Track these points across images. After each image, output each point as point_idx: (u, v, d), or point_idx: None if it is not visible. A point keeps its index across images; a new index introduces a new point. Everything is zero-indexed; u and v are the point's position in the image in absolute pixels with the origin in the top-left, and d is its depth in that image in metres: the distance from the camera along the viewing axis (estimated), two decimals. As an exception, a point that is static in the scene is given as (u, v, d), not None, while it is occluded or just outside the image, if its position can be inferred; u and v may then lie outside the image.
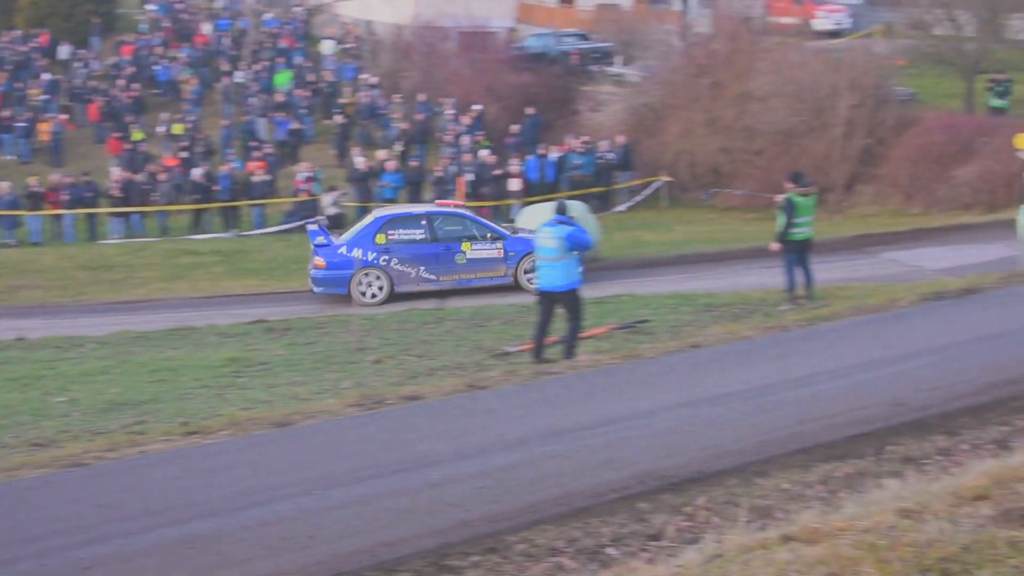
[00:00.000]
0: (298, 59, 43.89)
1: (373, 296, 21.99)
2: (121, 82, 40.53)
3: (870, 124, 31.24)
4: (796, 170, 20.60)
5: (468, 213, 23.35)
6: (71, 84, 41.51)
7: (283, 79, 41.29)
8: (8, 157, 37.46)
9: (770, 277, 19.56)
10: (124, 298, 24.24)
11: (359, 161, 32.48)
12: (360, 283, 22.02)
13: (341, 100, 39.37)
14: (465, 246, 22.30)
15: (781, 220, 18.17)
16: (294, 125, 37.75)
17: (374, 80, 40.94)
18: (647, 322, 17.18)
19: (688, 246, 26.77)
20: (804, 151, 31.14)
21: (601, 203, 32.21)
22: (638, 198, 33.44)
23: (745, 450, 9.65)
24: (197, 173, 32.06)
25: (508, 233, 22.59)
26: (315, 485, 9.10)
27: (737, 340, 13.95)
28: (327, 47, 45.95)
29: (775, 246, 18.37)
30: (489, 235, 22.35)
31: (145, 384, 15.45)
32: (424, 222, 22.55)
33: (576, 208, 21.03)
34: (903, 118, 31.58)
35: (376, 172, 32.42)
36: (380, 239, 22.25)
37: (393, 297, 22.04)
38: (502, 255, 22.16)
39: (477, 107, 36.75)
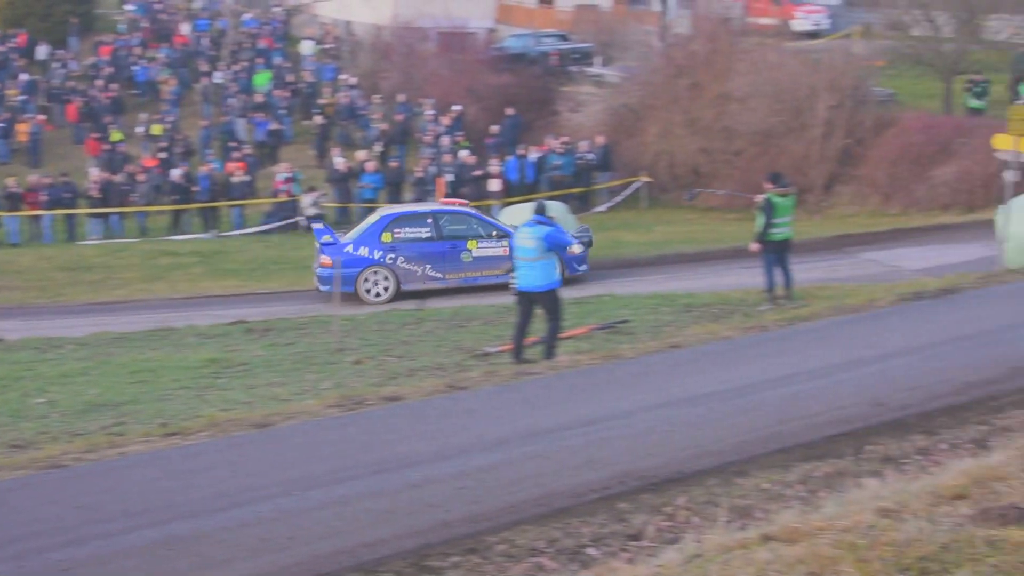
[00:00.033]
0: (277, 59, 43.77)
1: (379, 295, 22.06)
2: (100, 82, 40.34)
3: (849, 125, 31.34)
4: (775, 171, 20.67)
5: (474, 211, 23.47)
6: (49, 84, 41.30)
7: (262, 80, 41.18)
8: (-14, 158, 37.29)
9: (750, 277, 19.60)
10: (103, 299, 24.15)
11: (339, 162, 32.45)
12: (366, 281, 22.08)
13: (320, 101, 39.27)
14: (471, 244, 22.43)
15: (760, 220, 18.21)
16: (273, 126, 37.63)
17: (354, 81, 40.87)
18: (627, 322, 17.20)
19: (668, 246, 26.82)
20: (783, 152, 31.22)
21: (581, 204, 32.26)
22: (618, 199, 33.46)
23: (725, 450, 9.67)
24: (176, 174, 31.95)
25: (513, 231, 22.67)
26: (295, 486, 9.08)
27: (717, 340, 13.98)
28: (306, 47, 45.88)
29: (754, 246, 18.41)
30: (495, 233, 22.46)
31: (124, 385, 15.39)
32: (430, 220, 22.68)
33: (556, 209, 21.05)
34: (882, 119, 31.69)
35: (356, 173, 32.38)
36: (386, 237, 22.35)
37: (400, 295, 22.11)
38: (508, 253, 22.19)
39: (457, 108, 36.72)
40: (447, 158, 33.03)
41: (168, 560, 7.88)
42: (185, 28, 47.62)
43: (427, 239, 22.47)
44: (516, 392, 12.02)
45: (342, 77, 41.72)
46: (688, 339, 14.26)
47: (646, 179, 33.28)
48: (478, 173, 31.97)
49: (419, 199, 30.41)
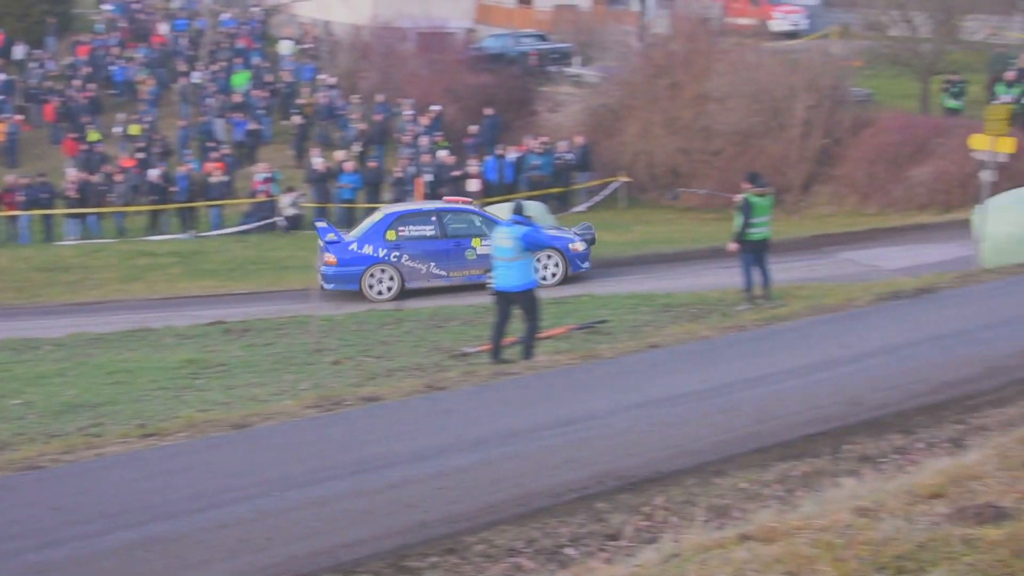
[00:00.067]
0: (256, 59, 43.64)
1: (382, 293, 22.11)
2: (77, 82, 40.14)
3: (827, 125, 31.43)
4: (753, 171, 20.70)
5: (477, 209, 23.48)
6: (26, 84, 41.09)
7: (241, 79, 41.06)
8: (-37, 158, 37.10)
9: (728, 277, 19.65)
10: (80, 300, 24.07)
11: (317, 162, 32.39)
12: (371, 279, 22.09)
13: (299, 101, 39.20)
14: (475, 242, 22.47)
15: (738, 220, 18.26)
16: (252, 126, 37.54)
17: (332, 81, 40.77)
18: (605, 322, 17.22)
19: (646, 246, 26.85)
20: (762, 151, 31.29)
21: (560, 203, 32.26)
22: (597, 198, 33.50)
23: (703, 450, 9.69)
24: (154, 174, 31.84)
25: None
26: (273, 487, 9.07)
27: (695, 340, 14.00)
28: (285, 47, 45.73)
29: (732, 246, 18.47)
30: None
31: (102, 386, 15.35)
32: (434, 218, 22.77)
33: (534, 208, 21.06)
34: (859, 119, 31.78)
35: (334, 173, 32.32)
36: (390, 235, 22.41)
37: (404, 293, 22.16)
38: None
39: (435, 108, 36.70)
40: (426, 158, 33.00)
41: (146, 561, 7.86)
42: (163, 28, 47.43)
43: (431, 237, 22.54)
44: (495, 392, 12.02)
45: (321, 77, 41.61)
46: (666, 339, 14.28)
47: (625, 179, 33.33)
48: (457, 173, 31.94)
49: (398, 199, 30.37)
